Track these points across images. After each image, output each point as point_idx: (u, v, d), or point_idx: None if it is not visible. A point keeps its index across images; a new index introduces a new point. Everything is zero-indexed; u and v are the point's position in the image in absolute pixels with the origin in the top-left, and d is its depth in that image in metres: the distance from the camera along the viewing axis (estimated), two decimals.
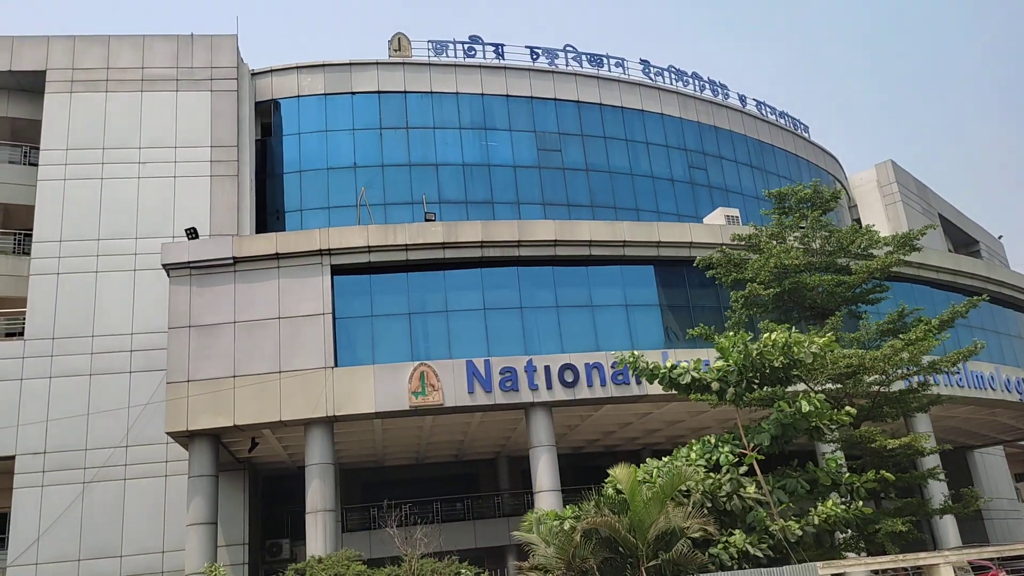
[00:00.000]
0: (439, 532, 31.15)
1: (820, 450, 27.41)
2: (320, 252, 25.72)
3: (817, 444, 25.19)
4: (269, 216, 34.61)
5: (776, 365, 17.40)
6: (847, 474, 17.99)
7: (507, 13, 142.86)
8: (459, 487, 35.88)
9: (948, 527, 29.64)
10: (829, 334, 19.09)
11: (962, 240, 56.30)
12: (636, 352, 18.92)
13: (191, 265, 25.27)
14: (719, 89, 43.18)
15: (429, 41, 37.90)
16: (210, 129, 32.47)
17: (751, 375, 17.78)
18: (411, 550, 17.41)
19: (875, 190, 49.75)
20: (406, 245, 26.22)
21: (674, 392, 18.70)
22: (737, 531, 16.07)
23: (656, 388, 22.90)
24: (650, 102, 40.72)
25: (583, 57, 39.96)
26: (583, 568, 14.59)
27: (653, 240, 28.38)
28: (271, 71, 36.55)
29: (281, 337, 24.80)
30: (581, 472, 33.96)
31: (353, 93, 36.60)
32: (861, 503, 17.00)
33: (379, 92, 36.71)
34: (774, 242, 23.09)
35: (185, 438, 24.60)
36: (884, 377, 19.56)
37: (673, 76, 41.78)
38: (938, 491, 26.98)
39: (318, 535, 23.67)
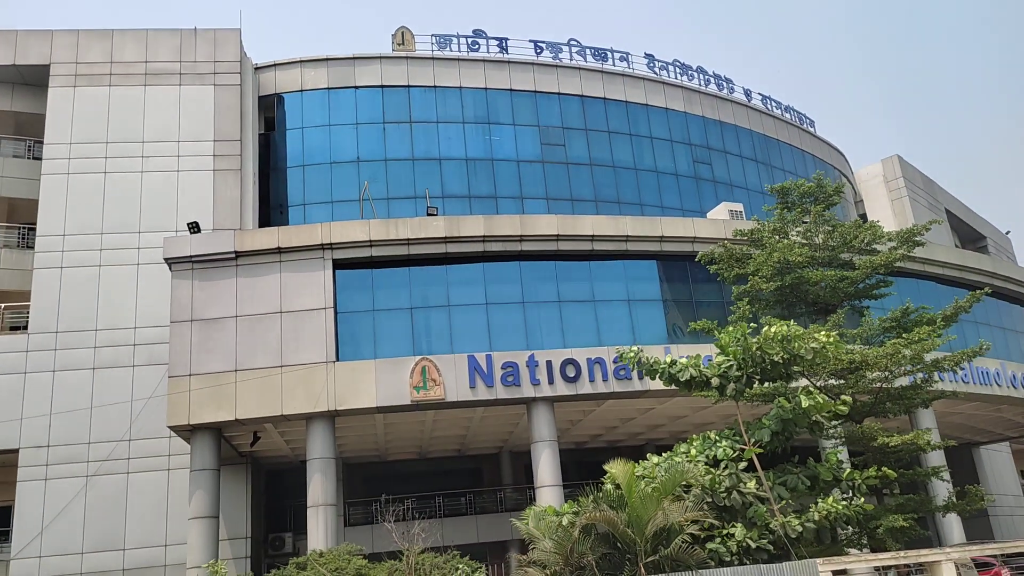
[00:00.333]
0: (441, 527, 31.28)
1: (823, 447, 27.30)
2: (322, 246, 25.69)
3: (820, 441, 25.06)
4: (272, 210, 34.61)
5: (776, 360, 17.31)
6: (848, 470, 17.89)
7: (511, 7, 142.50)
8: (462, 482, 35.88)
9: (953, 524, 29.53)
10: (832, 331, 18.99)
11: (969, 236, 56.01)
12: (637, 347, 18.85)
13: (193, 259, 25.27)
14: (724, 83, 42.99)
15: (433, 35, 37.86)
16: (213, 123, 32.48)
17: (751, 370, 17.69)
18: (411, 545, 17.28)
19: (881, 185, 49.51)
20: (408, 239, 26.18)
21: (675, 388, 18.64)
22: (738, 525, 16.00)
23: (658, 384, 22.85)
24: (654, 96, 40.57)
25: (587, 51, 39.83)
26: (581, 563, 14.54)
27: (656, 235, 28.28)
28: (274, 65, 36.51)
29: (283, 331, 24.80)
30: (584, 467, 33.91)
31: (356, 87, 36.55)
32: (862, 499, 16.90)
33: (382, 86, 36.65)
34: (776, 237, 22.96)
35: (187, 432, 24.64)
36: (887, 374, 19.43)
37: (678, 70, 41.62)
38: (942, 488, 26.87)
39: (319, 529, 23.70)
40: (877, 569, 22.80)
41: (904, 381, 21.88)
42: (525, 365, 25.36)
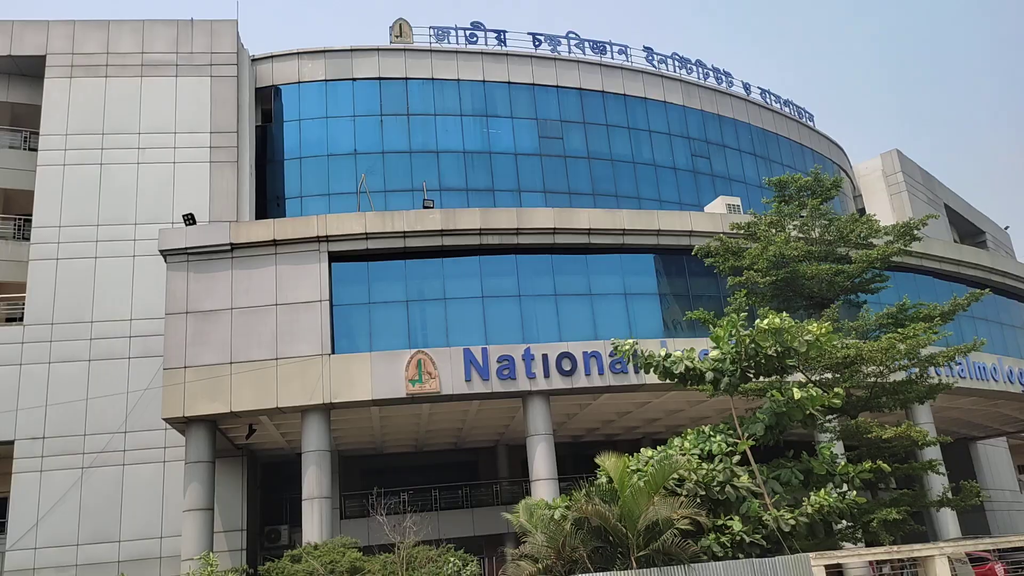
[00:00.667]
0: (437, 520, 31.34)
1: (818, 442, 27.29)
2: (318, 239, 25.63)
3: (816, 436, 25.06)
4: (269, 203, 34.54)
5: (770, 353, 17.26)
6: (842, 464, 17.86)
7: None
8: (458, 475, 35.88)
9: (948, 519, 29.52)
10: (827, 323, 18.94)
11: (968, 231, 55.93)
12: (632, 340, 18.80)
13: (188, 251, 25.22)
14: (723, 77, 42.87)
15: (431, 27, 37.74)
16: (210, 115, 32.38)
17: (746, 364, 17.64)
18: (405, 538, 17.28)
19: (880, 179, 49.43)
20: (404, 232, 26.11)
21: (670, 382, 18.60)
22: (735, 519, 15.97)
23: (653, 378, 22.83)
24: (653, 89, 40.46)
25: (586, 44, 39.70)
26: (573, 557, 14.52)
27: (653, 228, 28.21)
28: (271, 57, 36.41)
29: (278, 324, 24.76)
30: (581, 461, 33.86)
31: (354, 79, 36.45)
32: (855, 493, 16.87)
33: (380, 79, 36.56)
34: (773, 230, 22.90)
35: (182, 424, 24.61)
36: (882, 368, 19.40)
37: (677, 63, 41.50)
38: (938, 483, 26.86)
39: (314, 522, 23.70)
40: (873, 564, 22.82)
41: (899, 376, 21.85)
42: (521, 358, 25.32)
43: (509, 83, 37.88)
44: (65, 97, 31.85)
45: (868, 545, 19.40)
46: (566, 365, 25.55)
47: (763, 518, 16.10)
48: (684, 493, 15.95)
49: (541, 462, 25.45)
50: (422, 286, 26.40)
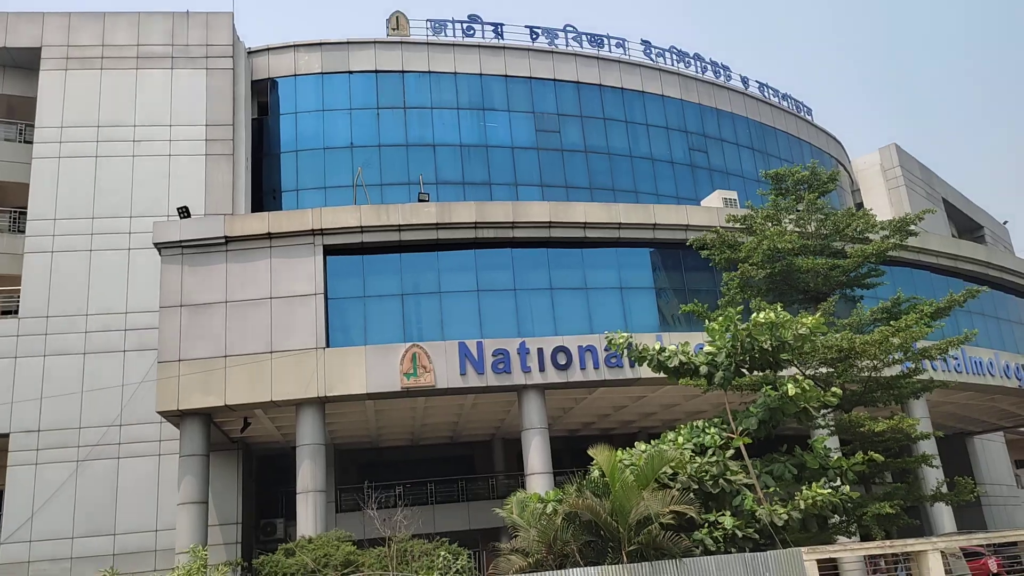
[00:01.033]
0: (433, 513, 31.33)
1: (813, 436, 27.27)
2: (312, 232, 25.56)
3: (811, 431, 25.04)
4: (265, 196, 34.46)
5: (765, 347, 17.22)
6: (836, 458, 17.84)
7: None
8: (455, 468, 35.85)
9: (943, 514, 29.50)
10: (822, 319, 18.91)
11: (966, 225, 55.86)
12: (626, 333, 18.76)
13: (183, 244, 25.15)
14: (721, 70, 42.76)
15: (428, 20, 37.61)
16: (205, 108, 32.30)
17: (740, 358, 17.62)
18: (400, 532, 17.25)
19: (879, 174, 49.33)
20: (399, 226, 26.05)
21: (665, 376, 18.56)
22: (727, 514, 15.96)
23: (649, 372, 22.78)
24: (651, 83, 40.34)
25: (583, 37, 39.57)
26: (564, 551, 14.51)
27: (649, 222, 28.15)
28: (267, 49, 36.29)
29: (273, 317, 24.70)
30: (577, 455, 33.71)
31: (350, 72, 36.33)
32: (848, 487, 16.85)
33: (376, 71, 36.45)
34: (769, 224, 22.85)
35: (176, 418, 24.57)
36: (876, 363, 19.36)
37: (675, 57, 41.37)
38: (933, 478, 26.85)
39: (309, 515, 23.66)
40: (867, 559, 22.81)
41: (894, 371, 21.82)
42: (516, 352, 25.27)
43: (506, 76, 37.76)
44: (60, 89, 31.75)
45: (862, 539, 19.40)
46: (561, 359, 25.50)
47: (756, 512, 16.09)
48: (677, 487, 15.94)
49: (536, 456, 25.43)
50: (417, 279, 26.34)
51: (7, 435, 27.60)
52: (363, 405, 26.48)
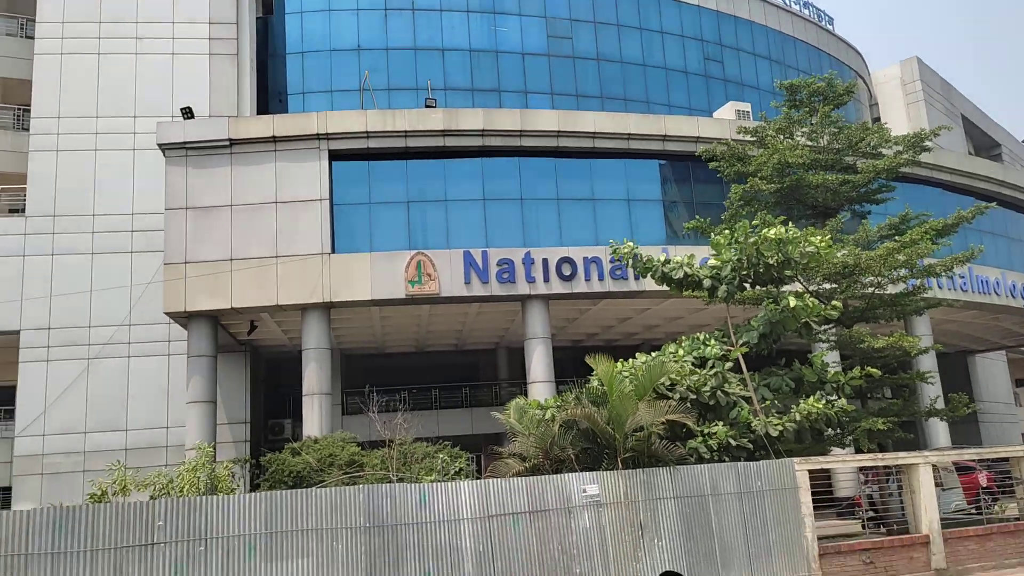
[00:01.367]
0: (437, 418, 31.96)
1: (814, 352, 27.47)
2: (318, 136, 25.25)
3: (812, 346, 25.20)
4: (271, 99, 33.90)
5: (771, 262, 17.18)
6: (833, 372, 18.00)
7: None
8: (459, 375, 36.37)
9: (939, 430, 29.93)
10: (829, 235, 18.77)
11: (984, 143, 54.77)
12: (631, 243, 18.71)
13: (187, 146, 24.92)
14: None
15: None
16: (208, 3, 31.44)
17: (744, 273, 17.59)
18: (397, 435, 17.63)
19: (898, 88, 48.07)
20: (405, 132, 25.70)
21: (668, 288, 18.59)
22: (719, 424, 16.23)
23: (653, 285, 22.79)
24: None
25: None
26: (561, 457, 14.82)
27: (659, 133, 27.68)
28: None
29: (278, 222, 24.67)
30: (580, 365, 34.05)
31: None
32: (844, 401, 17.07)
33: None
34: (780, 136, 22.45)
35: (184, 319, 24.87)
36: (880, 279, 19.29)
37: None
38: (931, 393, 27.14)
39: (314, 417, 24.19)
40: (861, 471, 23.26)
41: (899, 288, 21.77)
42: (521, 262, 25.28)
43: None
44: None
45: (858, 451, 19.74)
46: (566, 270, 25.52)
47: (751, 424, 16.36)
48: (675, 398, 16.17)
49: (538, 365, 25.75)
50: (423, 187, 26.14)
51: (18, 332, 28.01)
52: (368, 311, 26.70)
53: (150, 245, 28.47)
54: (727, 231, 18.16)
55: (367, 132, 25.47)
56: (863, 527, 19.91)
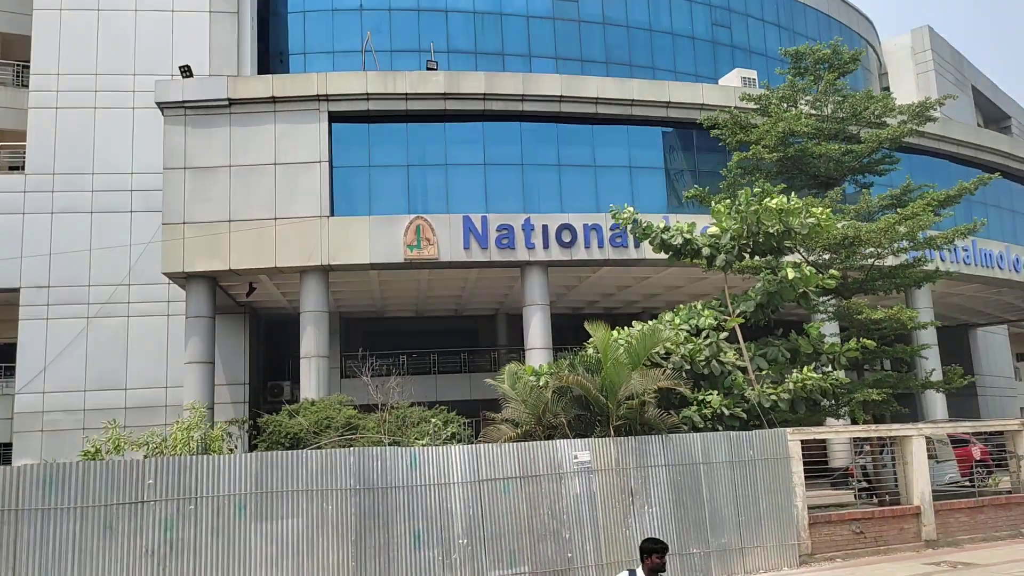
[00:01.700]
0: (435, 383, 32.03)
1: (813, 323, 27.38)
2: (318, 97, 25.01)
3: (811, 317, 25.11)
4: (272, 59, 33.56)
5: (771, 232, 17.04)
6: (829, 343, 17.94)
7: None
8: (458, 341, 36.41)
9: (937, 402, 29.94)
10: (830, 206, 18.60)
11: (994, 115, 54.16)
12: (632, 208, 18.56)
13: (186, 105, 24.70)
14: None
15: None
16: None
17: (744, 242, 17.46)
18: (390, 399, 17.67)
19: (908, 57, 47.41)
20: (406, 94, 25.43)
21: (666, 255, 18.46)
22: (713, 393, 16.22)
23: (652, 253, 22.66)
24: None
25: None
26: (553, 424, 14.83)
27: (663, 100, 27.36)
28: None
29: (277, 183, 24.53)
30: (579, 332, 34.05)
31: None
32: (841, 372, 17.03)
33: None
34: (784, 105, 22.15)
35: (182, 280, 24.85)
36: (879, 251, 19.15)
37: None
38: (929, 366, 27.10)
39: (312, 379, 24.25)
40: (855, 441, 23.32)
41: (900, 259, 21.62)
42: (520, 228, 25.16)
43: None
44: None
45: (853, 422, 19.76)
46: (566, 237, 25.40)
47: (745, 393, 16.35)
48: (669, 366, 16.15)
49: (536, 331, 25.74)
50: (423, 151, 25.93)
51: (17, 289, 28.05)
52: (368, 275, 26.65)
53: (149, 205, 28.38)
54: (728, 199, 17.99)
55: (367, 94, 25.22)
56: (856, 497, 20.00)
